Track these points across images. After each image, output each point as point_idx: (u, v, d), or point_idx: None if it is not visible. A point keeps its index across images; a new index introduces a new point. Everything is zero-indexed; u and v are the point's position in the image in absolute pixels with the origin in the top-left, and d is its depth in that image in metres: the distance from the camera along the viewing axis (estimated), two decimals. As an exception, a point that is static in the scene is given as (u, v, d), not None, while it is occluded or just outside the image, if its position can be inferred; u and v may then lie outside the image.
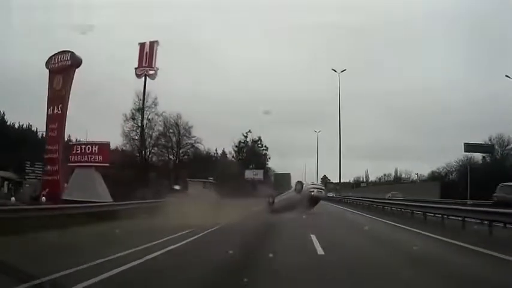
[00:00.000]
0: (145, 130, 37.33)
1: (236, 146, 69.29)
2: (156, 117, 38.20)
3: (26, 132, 55.62)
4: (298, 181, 24.37)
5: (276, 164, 73.12)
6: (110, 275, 5.76)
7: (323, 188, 26.71)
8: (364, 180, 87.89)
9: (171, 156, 41.12)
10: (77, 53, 24.46)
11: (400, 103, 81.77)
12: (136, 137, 37.10)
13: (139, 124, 36.28)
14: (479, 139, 45.72)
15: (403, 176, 78.24)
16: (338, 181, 55.33)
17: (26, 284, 3.98)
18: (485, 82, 69.70)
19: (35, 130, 55.02)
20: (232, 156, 69.75)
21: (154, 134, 38.76)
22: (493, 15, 68.64)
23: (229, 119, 77.68)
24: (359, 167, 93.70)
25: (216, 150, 66.91)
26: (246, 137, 69.29)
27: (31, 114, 60.16)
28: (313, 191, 22.98)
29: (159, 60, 36.29)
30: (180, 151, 40.31)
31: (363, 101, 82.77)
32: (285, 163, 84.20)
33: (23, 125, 58.18)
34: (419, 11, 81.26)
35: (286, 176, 56.01)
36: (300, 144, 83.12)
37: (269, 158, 73.71)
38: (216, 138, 72.81)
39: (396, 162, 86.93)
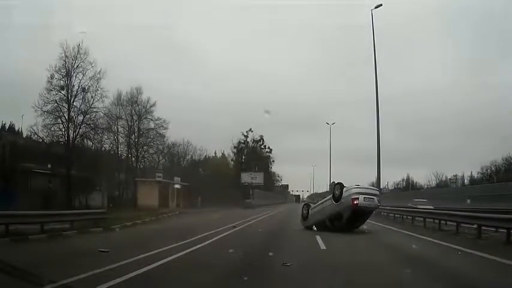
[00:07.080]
0: (75, 103, 24.97)
1: (235, 147, 60.95)
2: (96, 85, 25.06)
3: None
4: (336, 183, 15.53)
5: (277, 168, 65.60)
6: None
7: (376, 193, 15.95)
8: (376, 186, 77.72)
9: (121, 147, 30.37)
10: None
11: (399, 107, 75.29)
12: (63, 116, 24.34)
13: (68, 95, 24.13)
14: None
15: (416, 182, 69.04)
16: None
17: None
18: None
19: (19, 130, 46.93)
20: (232, 159, 61.58)
21: (94, 114, 26.32)
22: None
23: (229, 123, 71.26)
24: (361, 172, 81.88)
25: (215, 153, 59.51)
26: (246, 136, 61.14)
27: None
28: (356, 199, 14.31)
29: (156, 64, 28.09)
30: (140, 140, 29.31)
31: (361, 105, 74.56)
32: (288, 168, 76.13)
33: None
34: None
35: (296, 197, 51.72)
36: (303, 148, 75.70)
37: (273, 161, 65.11)
38: (217, 142, 65.84)
39: (400, 169, 78.03)
